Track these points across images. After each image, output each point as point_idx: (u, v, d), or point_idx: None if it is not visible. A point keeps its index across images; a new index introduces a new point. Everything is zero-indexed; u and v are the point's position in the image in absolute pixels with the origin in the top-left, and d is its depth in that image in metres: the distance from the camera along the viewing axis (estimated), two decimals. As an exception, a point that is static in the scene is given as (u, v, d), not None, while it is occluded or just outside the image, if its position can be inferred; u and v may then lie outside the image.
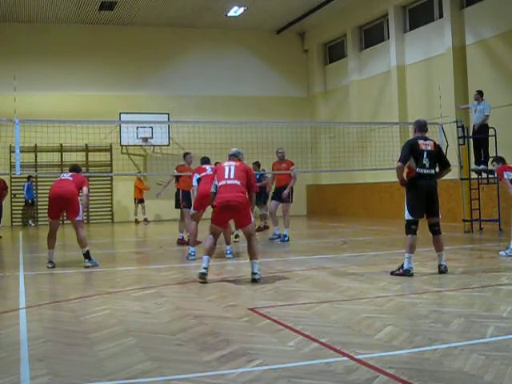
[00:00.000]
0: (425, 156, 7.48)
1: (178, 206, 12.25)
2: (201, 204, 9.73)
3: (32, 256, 11.17)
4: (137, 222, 21.32)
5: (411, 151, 7.47)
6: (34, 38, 21.49)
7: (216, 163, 11.65)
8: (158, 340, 4.64)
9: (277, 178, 13.02)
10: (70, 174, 9.38)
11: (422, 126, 7.75)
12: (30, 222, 20.74)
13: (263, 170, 15.47)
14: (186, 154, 12.76)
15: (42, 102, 21.15)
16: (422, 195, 7.40)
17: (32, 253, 11.82)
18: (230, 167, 7.59)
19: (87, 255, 9.04)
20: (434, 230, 7.55)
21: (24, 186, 20.32)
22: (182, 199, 11.94)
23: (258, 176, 15.22)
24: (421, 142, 7.55)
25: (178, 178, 12.38)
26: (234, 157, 7.91)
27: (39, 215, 21.05)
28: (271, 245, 12.13)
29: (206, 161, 10.57)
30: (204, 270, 7.36)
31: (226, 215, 7.52)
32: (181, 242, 12.09)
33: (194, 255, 9.63)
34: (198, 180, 9.99)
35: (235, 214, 7.42)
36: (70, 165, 10.12)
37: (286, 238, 12.51)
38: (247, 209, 7.45)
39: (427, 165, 7.50)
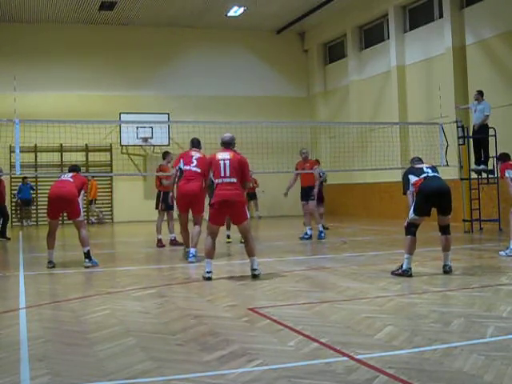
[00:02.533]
0: (425, 168, 7.60)
1: (158, 207, 12.25)
2: (181, 204, 9.52)
3: (32, 256, 11.17)
4: (92, 223, 21.21)
5: (409, 174, 7.64)
6: (34, 38, 21.49)
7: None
8: (158, 340, 4.64)
9: (302, 178, 13.09)
10: (71, 174, 9.37)
11: (416, 159, 8.07)
12: (28, 221, 20.74)
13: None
14: (166, 154, 12.69)
15: (42, 102, 21.16)
16: (430, 193, 7.37)
17: (32, 253, 11.82)
18: (224, 163, 7.55)
19: (88, 255, 9.04)
20: (444, 230, 7.57)
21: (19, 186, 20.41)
22: (162, 201, 11.91)
23: (320, 173, 15.46)
24: (416, 164, 7.81)
25: (160, 179, 12.27)
26: (228, 145, 7.84)
27: (39, 215, 21.09)
28: (277, 244, 12.12)
29: (194, 144, 9.86)
30: (209, 275, 7.44)
31: (223, 212, 7.57)
32: (173, 242, 12.02)
33: (193, 256, 9.32)
34: (181, 171, 9.46)
35: (232, 210, 7.52)
36: (70, 165, 10.10)
37: (323, 234, 12.66)
38: (243, 205, 7.61)
39: (430, 171, 7.54)
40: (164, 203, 11.91)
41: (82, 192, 9.28)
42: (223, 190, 7.46)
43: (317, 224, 12.81)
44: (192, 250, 9.32)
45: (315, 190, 12.76)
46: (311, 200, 12.70)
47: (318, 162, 13.03)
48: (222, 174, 7.51)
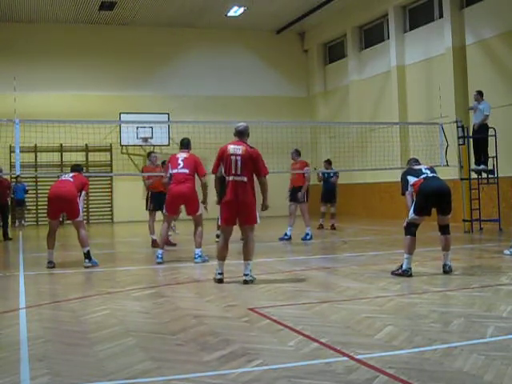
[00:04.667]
0: (423, 169, 7.61)
1: (147, 207, 12.26)
2: (172, 207, 9.39)
3: (32, 256, 11.16)
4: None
5: (408, 175, 7.64)
6: (34, 38, 21.49)
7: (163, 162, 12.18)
8: (158, 340, 4.64)
9: (291, 179, 13.06)
10: (72, 174, 9.35)
11: (413, 160, 8.06)
12: (22, 221, 20.73)
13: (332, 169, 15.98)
14: (149, 154, 12.66)
15: (42, 102, 21.15)
16: (431, 193, 7.37)
17: (32, 253, 11.81)
18: (236, 159, 7.19)
19: (87, 255, 9.03)
20: (444, 230, 7.58)
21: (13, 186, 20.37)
22: (151, 201, 11.87)
23: (331, 174, 15.51)
24: (414, 165, 7.81)
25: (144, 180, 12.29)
26: (241, 136, 7.42)
27: (39, 215, 21.09)
28: (276, 244, 12.12)
29: (183, 145, 9.70)
30: (220, 276, 7.26)
31: (233, 212, 7.24)
32: (166, 242, 11.97)
33: (161, 258, 9.26)
34: (170, 176, 9.37)
35: (241, 210, 7.21)
36: (70, 165, 10.10)
37: (309, 237, 12.64)
38: (253, 206, 7.27)
39: (429, 172, 7.55)
40: (153, 203, 11.90)
41: (84, 193, 9.26)
42: (233, 189, 7.19)
43: (306, 226, 12.74)
44: (197, 251, 9.30)
45: (301, 193, 12.62)
46: (301, 202, 12.68)
47: (306, 162, 13.00)
48: (233, 172, 7.21)
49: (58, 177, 9.38)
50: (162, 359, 4.07)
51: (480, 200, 14.09)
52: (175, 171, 9.30)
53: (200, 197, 9.37)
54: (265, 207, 7.37)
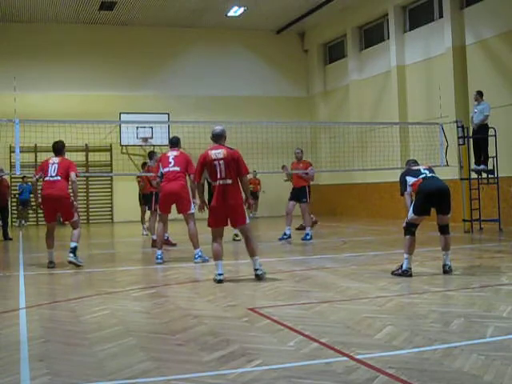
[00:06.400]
0: (422, 169, 7.61)
1: (151, 207, 12.23)
2: (164, 205, 9.39)
3: (32, 256, 11.16)
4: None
5: (406, 175, 7.64)
6: (34, 38, 21.51)
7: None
8: (158, 340, 4.64)
9: (294, 179, 13.00)
10: (57, 165, 9.09)
11: (411, 161, 8.07)
12: (23, 222, 20.77)
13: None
14: (150, 154, 12.64)
15: (42, 102, 21.17)
16: (430, 193, 7.37)
17: (32, 253, 11.82)
18: (219, 163, 7.30)
19: (73, 250, 8.92)
20: (443, 230, 7.58)
21: (18, 186, 20.39)
22: (155, 201, 11.82)
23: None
24: (412, 166, 7.81)
25: (149, 179, 12.31)
26: (219, 140, 7.53)
27: (39, 215, 21.07)
28: (276, 244, 12.12)
29: (172, 143, 9.84)
30: (220, 277, 7.28)
31: (222, 214, 7.34)
32: (165, 242, 11.97)
33: (160, 259, 9.29)
34: (161, 175, 9.41)
35: (230, 212, 7.33)
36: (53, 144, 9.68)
37: (309, 237, 12.62)
38: (242, 207, 7.41)
39: (428, 172, 7.55)
40: (156, 203, 11.90)
41: (73, 174, 8.97)
42: (221, 193, 7.28)
43: (306, 226, 12.78)
44: (197, 251, 9.29)
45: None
46: (304, 202, 12.69)
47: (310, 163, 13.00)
48: (219, 176, 7.32)
49: (42, 177, 9.25)
50: (162, 359, 4.07)
51: (480, 200, 14.09)
52: (166, 170, 9.35)
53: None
54: (248, 204, 7.53)
